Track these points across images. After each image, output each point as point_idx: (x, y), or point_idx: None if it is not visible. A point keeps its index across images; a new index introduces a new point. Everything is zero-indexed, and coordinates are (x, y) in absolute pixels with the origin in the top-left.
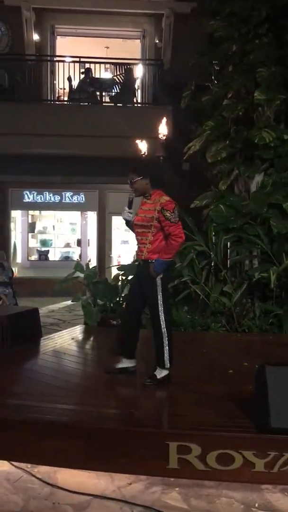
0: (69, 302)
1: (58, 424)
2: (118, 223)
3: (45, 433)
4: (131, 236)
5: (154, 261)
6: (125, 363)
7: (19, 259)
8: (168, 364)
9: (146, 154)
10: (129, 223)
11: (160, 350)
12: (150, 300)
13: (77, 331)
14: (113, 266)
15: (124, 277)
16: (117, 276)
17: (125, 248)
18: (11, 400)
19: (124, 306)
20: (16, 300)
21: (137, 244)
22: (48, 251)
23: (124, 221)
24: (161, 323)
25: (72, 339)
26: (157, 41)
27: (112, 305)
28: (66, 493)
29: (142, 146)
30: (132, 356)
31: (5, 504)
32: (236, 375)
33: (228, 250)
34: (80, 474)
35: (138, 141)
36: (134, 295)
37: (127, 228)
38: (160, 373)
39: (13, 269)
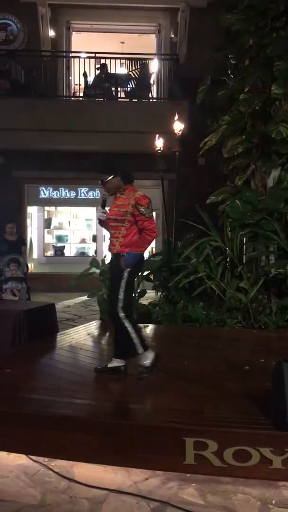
0: (85, 298)
1: (74, 419)
2: None
3: (62, 427)
4: None
5: (125, 254)
6: (114, 363)
7: (35, 254)
8: (142, 349)
9: (161, 149)
10: (102, 223)
11: (129, 341)
12: (112, 291)
13: (93, 326)
14: None
15: (139, 273)
16: None
17: None
18: (28, 395)
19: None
20: (29, 295)
21: (110, 238)
22: (63, 247)
23: (98, 221)
24: (120, 314)
25: (88, 334)
26: (172, 36)
27: None
28: (83, 487)
29: (158, 141)
30: (125, 356)
31: (23, 498)
32: (252, 372)
33: (244, 246)
34: (97, 469)
35: (154, 137)
36: (110, 291)
37: (103, 227)
38: (145, 360)
39: (29, 264)
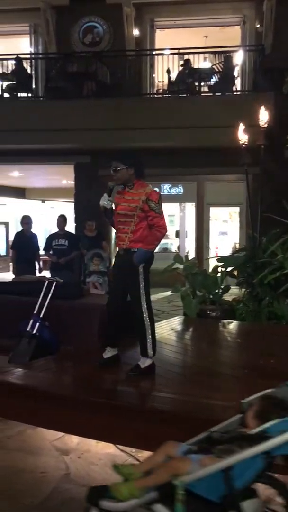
0: (168, 293)
1: (159, 412)
2: (216, 214)
3: (147, 419)
4: (229, 228)
5: (136, 250)
6: (109, 352)
7: None
8: (152, 353)
9: (245, 143)
10: (106, 211)
11: (143, 340)
12: (132, 289)
13: (176, 321)
14: (211, 257)
15: (223, 269)
16: (216, 267)
17: (223, 239)
18: (114, 386)
19: (108, 298)
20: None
21: (118, 233)
22: None
23: (102, 209)
24: (144, 312)
25: (172, 329)
26: (257, 26)
27: (211, 296)
28: None
29: (242, 135)
30: (115, 345)
31: None
32: None
33: None
34: None
35: (239, 130)
36: (115, 286)
37: (106, 217)
38: (144, 363)
39: (112, 260)
